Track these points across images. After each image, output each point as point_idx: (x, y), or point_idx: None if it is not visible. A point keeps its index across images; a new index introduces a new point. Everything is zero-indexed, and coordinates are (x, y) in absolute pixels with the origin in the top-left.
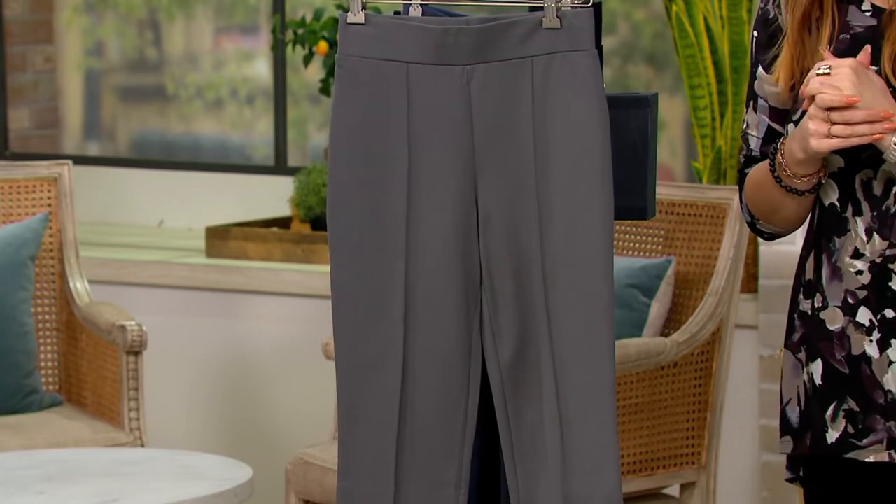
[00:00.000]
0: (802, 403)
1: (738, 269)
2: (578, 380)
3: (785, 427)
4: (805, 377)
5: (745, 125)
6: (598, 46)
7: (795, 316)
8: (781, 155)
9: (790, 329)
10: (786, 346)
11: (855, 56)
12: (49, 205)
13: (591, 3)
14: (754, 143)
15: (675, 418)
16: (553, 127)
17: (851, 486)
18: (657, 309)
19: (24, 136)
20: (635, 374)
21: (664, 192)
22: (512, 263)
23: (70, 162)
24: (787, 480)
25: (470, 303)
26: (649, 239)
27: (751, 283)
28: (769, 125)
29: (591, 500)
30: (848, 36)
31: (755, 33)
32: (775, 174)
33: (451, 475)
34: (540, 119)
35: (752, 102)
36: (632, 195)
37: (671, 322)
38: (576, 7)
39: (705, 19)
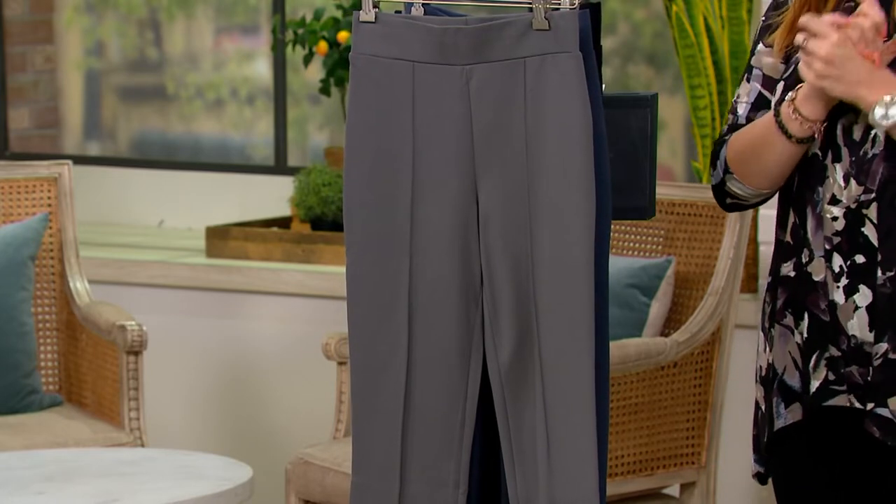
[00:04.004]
0: (800, 364)
1: (738, 269)
2: (560, 383)
3: (788, 396)
4: (797, 338)
5: (736, 97)
6: (598, 46)
7: (776, 285)
8: (792, 97)
9: (772, 300)
10: (768, 323)
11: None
12: (49, 205)
13: (577, 5)
14: (742, 110)
15: (674, 418)
16: (542, 128)
17: (818, 444)
18: (657, 309)
19: (24, 136)
20: (635, 374)
21: (664, 192)
22: (509, 264)
23: (70, 162)
24: (755, 476)
25: (470, 303)
26: (649, 239)
27: (751, 282)
28: (760, 91)
29: None
30: (853, 3)
31: (763, 18)
32: (777, 112)
33: (451, 475)
34: (532, 120)
35: (746, 75)
36: (632, 195)
37: (671, 322)
38: (564, 8)
39: (705, 19)
